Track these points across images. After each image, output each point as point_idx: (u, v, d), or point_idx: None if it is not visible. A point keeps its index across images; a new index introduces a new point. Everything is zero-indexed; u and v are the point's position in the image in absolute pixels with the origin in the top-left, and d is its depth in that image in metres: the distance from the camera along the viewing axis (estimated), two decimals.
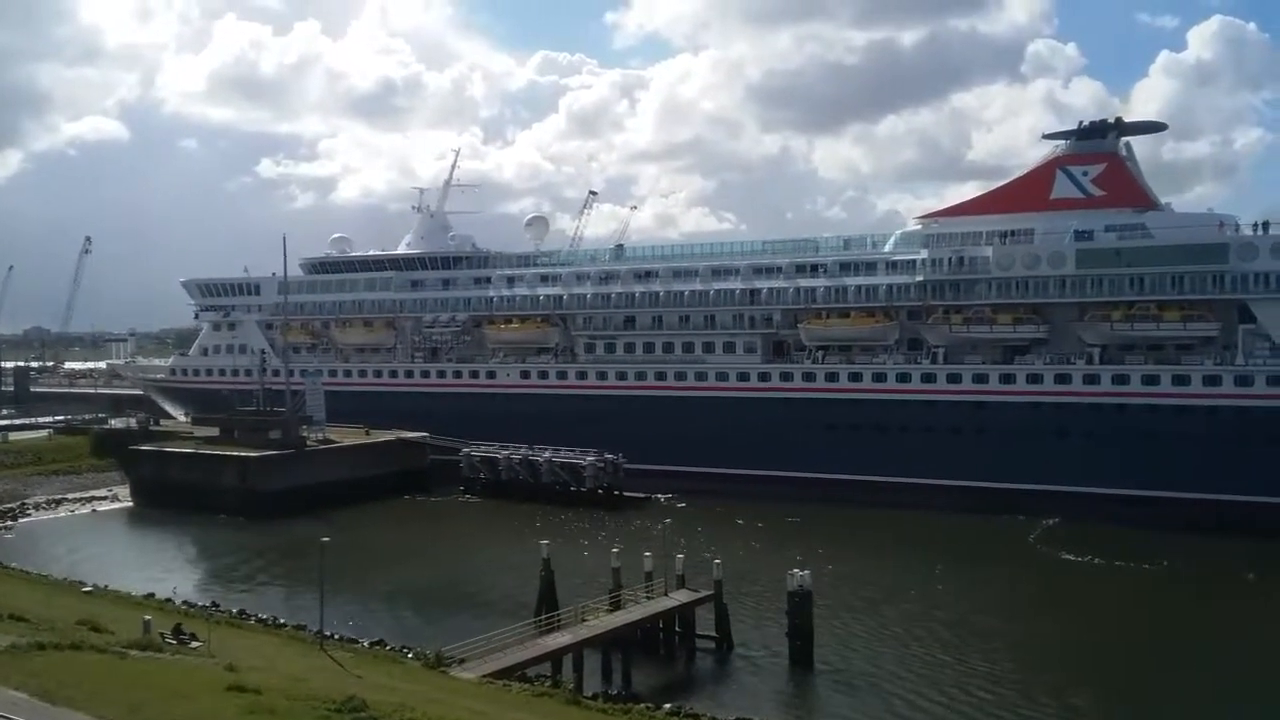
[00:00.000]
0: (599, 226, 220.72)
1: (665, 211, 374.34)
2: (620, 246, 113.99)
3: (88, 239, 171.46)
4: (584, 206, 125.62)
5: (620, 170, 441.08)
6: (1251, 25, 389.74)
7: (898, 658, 47.49)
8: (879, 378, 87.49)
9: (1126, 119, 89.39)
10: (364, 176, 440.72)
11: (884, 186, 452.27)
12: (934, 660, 47.03)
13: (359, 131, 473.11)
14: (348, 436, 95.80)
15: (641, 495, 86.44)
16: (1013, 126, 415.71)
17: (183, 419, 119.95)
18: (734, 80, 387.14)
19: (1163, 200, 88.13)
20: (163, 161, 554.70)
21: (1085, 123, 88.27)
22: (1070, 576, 63.24)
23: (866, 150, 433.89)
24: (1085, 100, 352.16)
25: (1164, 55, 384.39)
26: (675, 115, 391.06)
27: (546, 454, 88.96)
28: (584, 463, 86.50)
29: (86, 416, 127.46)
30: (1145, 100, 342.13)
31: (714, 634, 48.39)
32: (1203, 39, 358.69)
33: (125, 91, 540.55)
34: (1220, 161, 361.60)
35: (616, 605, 47.50)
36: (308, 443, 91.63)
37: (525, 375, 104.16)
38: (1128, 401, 77.97)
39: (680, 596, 48.71)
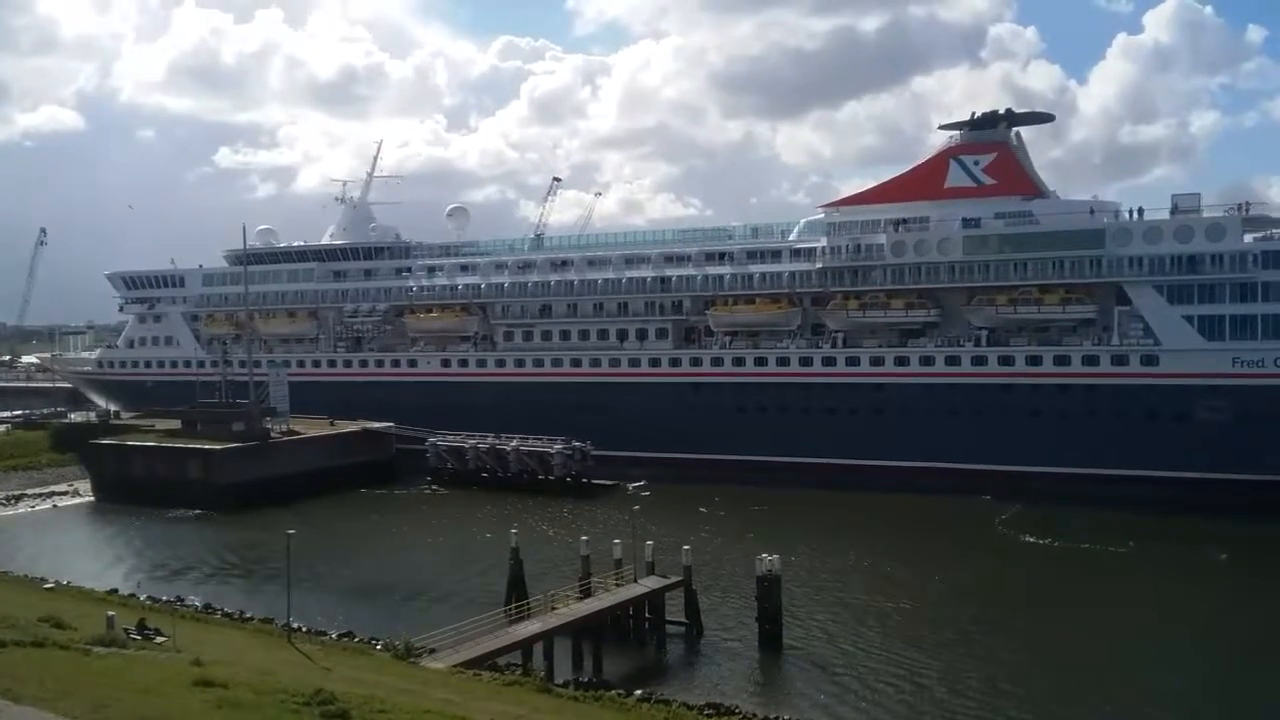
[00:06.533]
0: (564, 213, 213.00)
1: (631, 197, 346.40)
2: (539, 236, 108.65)
3: (43, 231, 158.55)
4: (548, 193, 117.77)
5: (584, 157, 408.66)
6: (1208, 9, 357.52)
7: (865, 639, 43.49)
8: (783, 362, 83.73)
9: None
10: (325, 165, 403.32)
11: (847, 171, 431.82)
12: (900, 641, 43.11)
13: (320, 120, 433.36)
14: (312, 428, 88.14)
15: (610, 483, 79.99)
16: (973, 110, 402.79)
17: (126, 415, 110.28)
18: (696, 67, 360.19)
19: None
20: (121, 152, 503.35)
21: (977, 114, 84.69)
22: (1032, 560, 57.53)
23: (828, 135, 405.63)
24: (1044, 84, 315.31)
25: (1121, 38, 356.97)
26: (638, 102, 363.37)
27: (514, 443, 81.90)
28: (552, 451, 79.72)
29: (46, 410, 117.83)
30: (1102, 83, 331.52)
31: (684, 620, 44.33)
32: (1159, 22, 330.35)
33: (83, 81, 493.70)
34: (1177, 144, 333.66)
35: (586, 593, 43.42)
36: (271, 435, 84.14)
37: (445, 364, 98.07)
38: (1013, 381, 75.24)
39: (650, 583, 44.42)
